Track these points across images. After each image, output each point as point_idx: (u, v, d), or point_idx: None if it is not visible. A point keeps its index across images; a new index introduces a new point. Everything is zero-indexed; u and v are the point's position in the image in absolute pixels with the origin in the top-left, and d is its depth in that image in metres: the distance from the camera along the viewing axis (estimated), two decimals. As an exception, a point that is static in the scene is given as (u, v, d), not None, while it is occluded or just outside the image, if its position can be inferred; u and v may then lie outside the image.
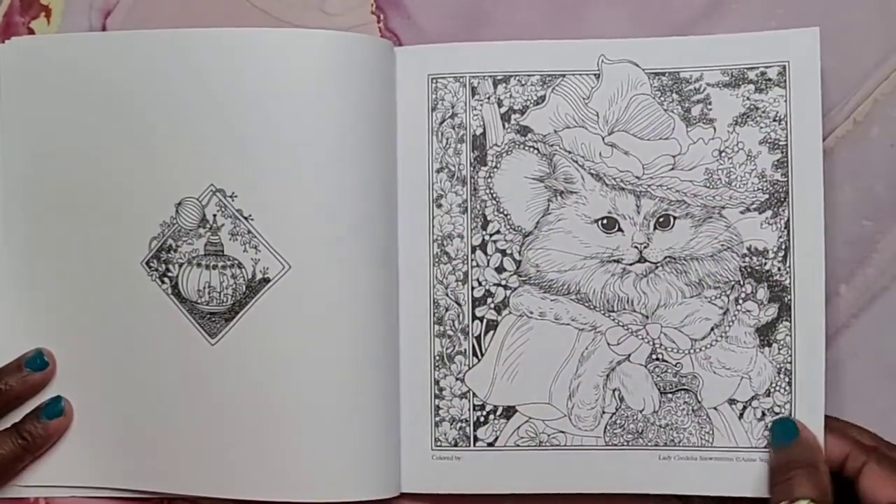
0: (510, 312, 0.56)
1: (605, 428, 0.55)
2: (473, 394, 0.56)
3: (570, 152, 0.55)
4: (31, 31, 0.58)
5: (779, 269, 0.55)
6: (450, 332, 0.56)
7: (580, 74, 0.56)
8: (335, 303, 0.54)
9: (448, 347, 0.56)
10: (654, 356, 0.55)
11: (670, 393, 0.55)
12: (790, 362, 0.55)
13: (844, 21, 0.59)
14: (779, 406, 0.55)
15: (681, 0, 0.58)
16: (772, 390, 0.55)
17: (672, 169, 0.55)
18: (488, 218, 0.56)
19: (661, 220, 0.55)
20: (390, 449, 0.55)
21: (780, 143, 0.55)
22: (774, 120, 0.55)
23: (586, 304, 0.55)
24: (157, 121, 0.54)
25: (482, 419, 0.56)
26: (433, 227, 0.56)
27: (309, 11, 0.59)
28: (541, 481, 0.55)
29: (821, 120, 0.55)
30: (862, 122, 0.58)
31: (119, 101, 0.55)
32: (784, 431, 0.53)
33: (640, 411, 0.55)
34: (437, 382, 0.56)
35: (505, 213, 0.56)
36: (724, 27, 0.58)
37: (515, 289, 0.56)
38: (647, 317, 0.55)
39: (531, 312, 0.56)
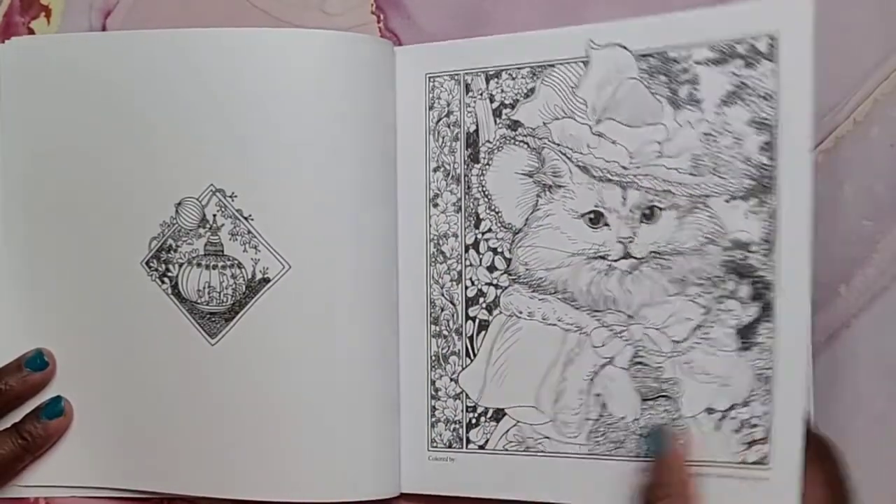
0: (500, 312, 0.56)
1: (588, 435, 0.55)
2: (466, 395, 0.56)
3: (558, 144, 0.55)
4: (31, 31, 0.58)
5: (763, 263, 0.53)
6: (445, 333, 0.56)
7: (569, 63, 0.55)
8: (335, 303, 0.54)
9: (443, 348, 0.56)
10: (636, 359, 0.54)
11: (651, 399, 0.54)
12: (770, 368, 0.53)
13: (844, 21, 0.59)
14: (756, 417, 0.53)
15: (681, 2, 0.58)
16: (750, 400, 0.53)
17: (659, 157, 0.54)
18: (480, 216, 0.56)
19: (646, 212, 0.54)
20: (390, 449, 0.55)
21: (768, 122, 0.53)
22: (763, 97, 0.53)
23: (572, 304, 0.55)
24: (157, 121, 0.54)
25: (474, 421, 0.56)
26: (430, 226, 0.56)
27: (309, 11, 0.58)
28: (527, 488, 0.55)
29: (812, 95, 0.53)
30: (862, 122, 0.58)
31: (119, 101, 0.55)
32: (653, 444, 0.53)
33: (622, 419, 0.55)
34: (433, 383, 0.56)
35: (496, 210, 0.56)
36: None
37: (506, 288, 0.55)
38: (630, 317, 0.55)
39: (520, 312, 0.55)
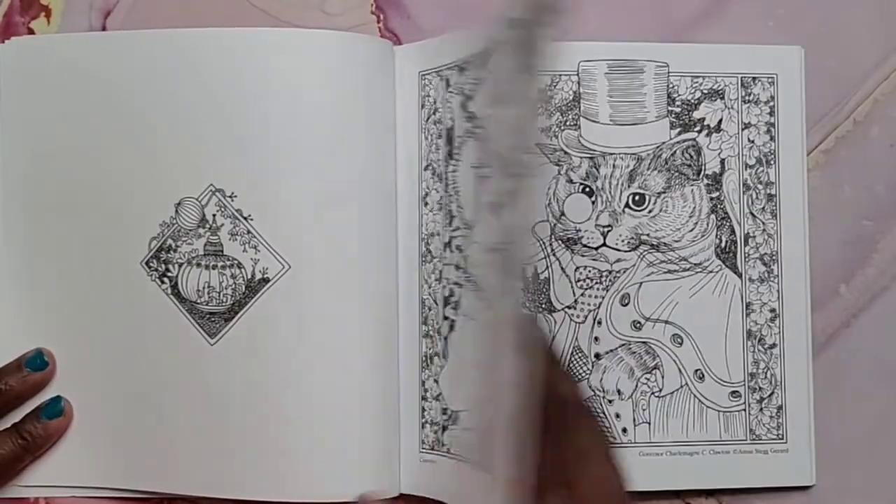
0: (459, 312, 0.55)
1: None
2: (443, 396, 0.56)
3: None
4: (31, 31, 0.58)
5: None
6: (431, 333, 0.56)
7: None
8: (335, 303, 0.54)
9: (430, 348, 0.56)
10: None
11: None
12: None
13: (844, 21, 0.59)
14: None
15: (680, 0, 0.59)
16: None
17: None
18: (453, 213, 0.55)
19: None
20: (389, 449, 0.55)
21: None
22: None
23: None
24: (157, 121, 0.54)
25: (448, 423, 0.55)
26: (421, 225, 0.56)
27: (309, 11, 0.58)
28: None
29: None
30: (862, 122, 0.59)
31: (119, 101, 0.55)
32: None
33: None
34: (423, 383, 0.56)
35: (461, 207, 0.55)
36: (724, 27, 0.58)
37: (462, 287, 0.55)
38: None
39: (468, 313, 0.55)
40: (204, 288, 0.54)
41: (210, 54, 0.54)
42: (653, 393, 0.56)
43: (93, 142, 0.55)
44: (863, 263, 0.58)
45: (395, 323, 0.56)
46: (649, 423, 0.56)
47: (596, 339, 0.56)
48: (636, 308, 0.56)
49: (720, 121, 0.57)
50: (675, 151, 0.57)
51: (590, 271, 0.56)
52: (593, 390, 0.56)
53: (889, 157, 0.59)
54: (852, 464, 0.57)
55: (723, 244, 0.57)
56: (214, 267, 0.54)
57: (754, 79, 0.57)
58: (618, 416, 0.56)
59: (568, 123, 0.57)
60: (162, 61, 0.54)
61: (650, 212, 0.56)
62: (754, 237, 0.57)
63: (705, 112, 0.57)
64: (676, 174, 0.57)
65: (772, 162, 0.57)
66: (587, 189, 0.57)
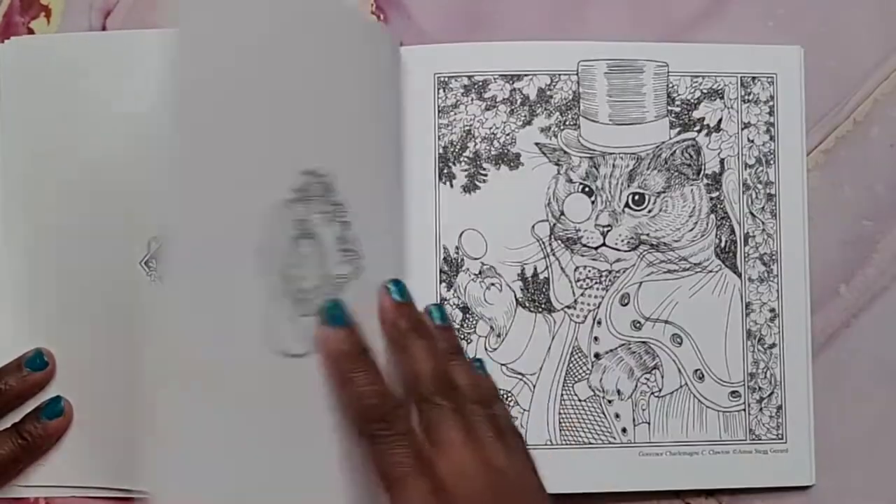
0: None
1: None
2: None
3: None
4: (31, 31, 0.58)
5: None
6: None
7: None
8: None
9: None
10: None
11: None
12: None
13: (844, 21, 0.59)
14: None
15: (680, 0, 0.59)
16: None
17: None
18: None
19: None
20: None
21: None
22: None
23: None
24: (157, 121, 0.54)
25: None
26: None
27: (309, 11, 0.58)
28: None
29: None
30: (862, 122, 0.59)
31: (119, 101, 0.55)
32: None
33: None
34: None
35: None
36: (724, 27, 0.58)
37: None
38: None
39: None
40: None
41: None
42: (652, 393, 0.56)
43: (93, 142, 0.55)
44: (863, 263, 0.58)
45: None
46: (649, 423, 0.56)
47: (596, 338, 0.56)
48: (636, 308, 0.56)
49: (720, 120, 0.57)
50: (674, 151, 0.57)
51: (589, 271, 0.57)
52: (593, 390, 0.56)
53: (889, 157, 0.59)
54: (852, 464, 0.57)
55: (722, 244, 0.57)
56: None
57: (754, 78, 0.57)
58: (617, 416, 0.56)
59: (567, 123, 0.57)
60: (162, 61, 0.54)
61: (650, 211, 0.56)
62: (754, 237, 0.57)
63: (705, 112, 0.57)
64: (676, 174, 0.57)
65: (771, 161, 0.57)
66: (587, 189, 0.57)
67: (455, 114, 0.57)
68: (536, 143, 0.57)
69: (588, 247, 0.57)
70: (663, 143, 0.57)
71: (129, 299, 0.55)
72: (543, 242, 0.57)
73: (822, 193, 0.58)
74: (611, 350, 0.56)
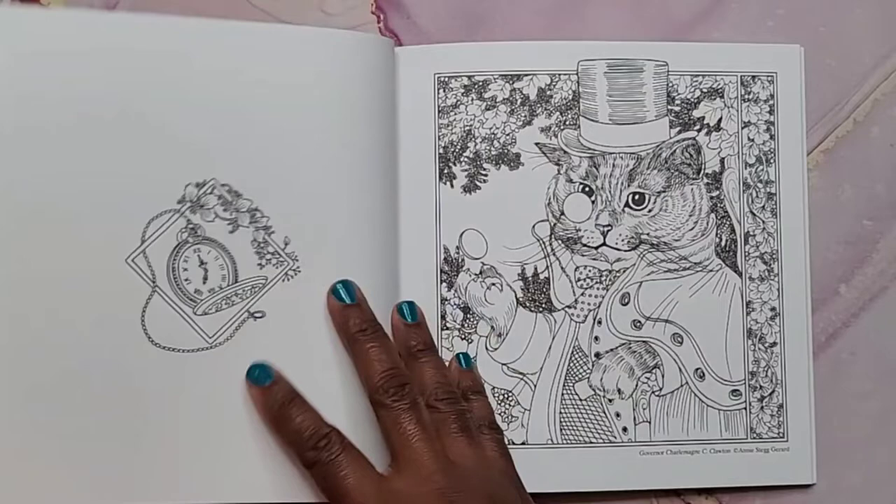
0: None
1: None
2: None
3: None
4: (32, 31, 0.58)
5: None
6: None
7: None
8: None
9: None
10: None
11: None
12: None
13: (844, 21, 0.59)
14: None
15: (680, 0, 0.59)
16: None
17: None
18: None
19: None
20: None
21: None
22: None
23: None
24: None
25: None
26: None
27: (309, 11, 0.59)
28: None
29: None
30: (862, 122, 0.59)
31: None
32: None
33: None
34: None
35: None
36: (724, 27, 0.58)
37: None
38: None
39: None
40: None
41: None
42: (653, 392, 0.56)
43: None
44: (863, 263, 0.58)
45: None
46: (650, 423, 0.56)
47: (596, 338, 0.56)
48: (636, 307, 0.56)
49: (720, 119, 0.57)
50: (674, 150, 0.57)
51: (590, 271, 0.57)
52: (594, 389, 0.56)
53: (889, 157, 0.59)
54: (853, 463, 0.57)
55: (723, 243, 0.57)
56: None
57: (754, 77, 0.57)
58: (618, 415, 0.56)
59: (567, 123, 0.57)
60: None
61: (650, 211, 0.56)
62: (754, 236, 0.57)
63: (705, 111, 0.57)
64: (676, 173, 0.57)
65: (771, 160, 0.57)
66: (587, 188, 0.57)
67: (455, 114, 0.57)
68: (536, 143, 0.57)
69: (588, 246, 0.57)
70: (663, 142, 0.57)
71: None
72: (544, 242, 0.57)
73: (822, 193, 0.58)
74: (611, 349, 0.57)
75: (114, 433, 0.52)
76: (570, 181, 0.57)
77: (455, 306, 0.56)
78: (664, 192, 0.56)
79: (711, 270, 0.57)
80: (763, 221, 0.57)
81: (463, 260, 0.57)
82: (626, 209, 0.56)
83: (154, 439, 0.52)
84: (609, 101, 0.57)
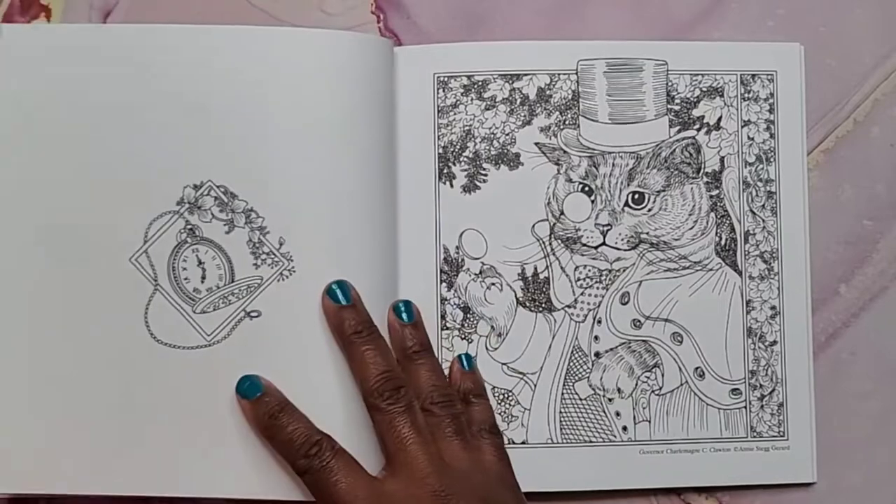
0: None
1: None
2: None
3: None
4: (32, 31, 0.58)
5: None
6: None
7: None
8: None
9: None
10: None
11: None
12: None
13: (844, 20, 0.59)
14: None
15: (680, 0, 0.59)
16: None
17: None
18: None
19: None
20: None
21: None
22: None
23: None
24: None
25: None
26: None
27: (309, 11, 0.59)
28: None
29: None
30: (862, 122, 0.59)
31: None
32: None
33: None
34: None
35: None
36: (724, 26, 0.58)
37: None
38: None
39: None
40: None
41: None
42: (653, 391, 0.56)
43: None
44: (863, 263, 0.58)
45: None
46: (649, 422, 0.56)
47: (596, 337, 0.56)
48: (636, 307, 0.56)
49: (719, 118, 0.57)
50: (674, 149, 0.57)
51: (589, 270, 0.57)
52: (594, 389, 0.56)
53: (889, 157, 0.59)
54: (853, 461, 0.57)
55: (723, 242, 0.57)
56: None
57: (753, 76, 0.57)
58: (618, 414, 0.56)
59: (567, 122, 0.57)
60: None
61: (650, 210, 0.56)
62: (754, 234, 0.57)
63: (704, 110, 0.57)
64: (676, 172, 0.57)
65: (771, 159, 0.57)
66: (586, 188, 0.57)
67: (455, 114, 0.57)
68: (536, 143, 0.57)
69: (588, 246, 0.57)
70: (663, 141, 0.57)
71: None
72: (543, 242, 0.57)
73: (822, 193, 0.58)
74: (611, 349, 0.56)
75: (117, 426, 0.53)
76: (570, 181, 0.57)
77: (455, 306, 0.56)
78: (664, 191, 0.56)
79: (711, 269, 0.57)
80: (763, 220, 0.57)
81: (463, 260, 0.57)
82: (626, 208, 0.56)
83: (155, 433, 0.53)
84: (609, 100, 0.57)
